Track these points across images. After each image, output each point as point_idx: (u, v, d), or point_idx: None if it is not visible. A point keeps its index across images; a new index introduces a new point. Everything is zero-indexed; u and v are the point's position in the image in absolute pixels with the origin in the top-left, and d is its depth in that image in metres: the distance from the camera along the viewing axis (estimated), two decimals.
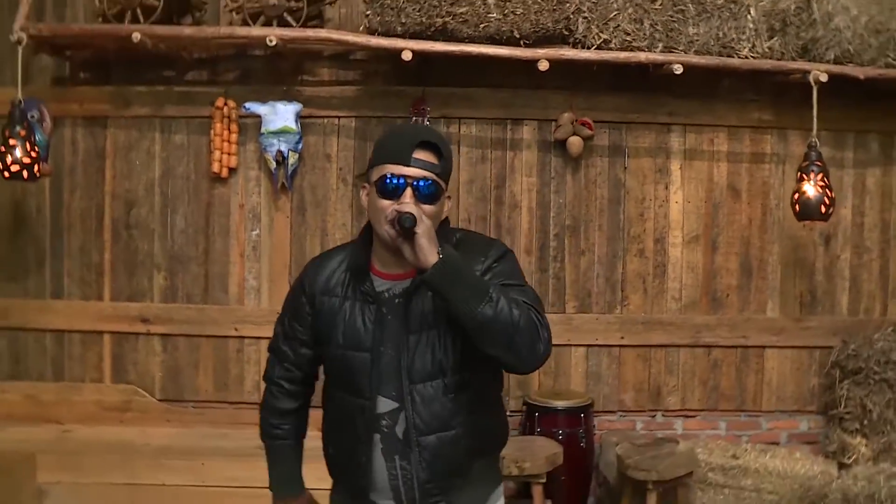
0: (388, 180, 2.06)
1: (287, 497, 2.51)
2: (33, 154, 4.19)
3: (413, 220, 1.95)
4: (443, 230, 2.16)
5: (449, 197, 2.19)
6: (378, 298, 2.17)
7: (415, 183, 2.05)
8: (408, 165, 2.06)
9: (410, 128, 2.41)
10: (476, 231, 2.49)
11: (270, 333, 4.63)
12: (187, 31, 4.32)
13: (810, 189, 4.20)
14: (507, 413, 4.60)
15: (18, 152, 4.14)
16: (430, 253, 1.94)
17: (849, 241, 4.88)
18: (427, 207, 2.05)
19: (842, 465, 4.39)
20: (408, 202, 2.03)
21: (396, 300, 2.15)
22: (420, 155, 2.07)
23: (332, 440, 2.33)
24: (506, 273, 2.13)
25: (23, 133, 4.17)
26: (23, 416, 4.78)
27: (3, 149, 4.15)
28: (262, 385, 2.49)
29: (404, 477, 2.16)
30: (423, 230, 1.95)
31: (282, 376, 2.41)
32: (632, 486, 4.08)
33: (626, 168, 4.82)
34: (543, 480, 4.04)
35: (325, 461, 2.37)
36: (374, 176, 2.11)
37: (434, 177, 2.08)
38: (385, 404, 2.15)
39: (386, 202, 2.06)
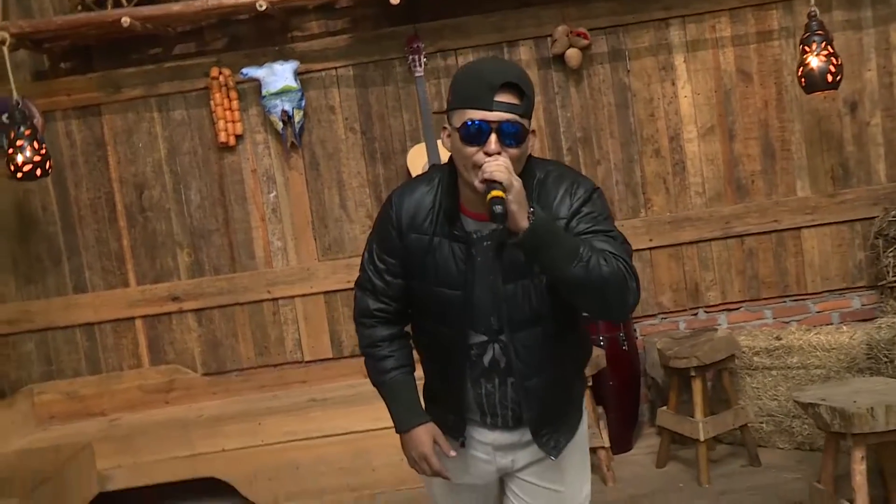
0: (471, 126, 2.35)
1: (416, 426, 2.77)
2: (42, 152, 5.26)
3: (502, 205, 2.25)
4: (529, 168, 2.51)
5: (533, 132, 2.49)
6: (468, 240, 2.54)
7: (499, 126, 2.34)
8: (490, 110, 2.33)
9: (490, 66, 2.51)
10: (555, 162, 2.78)
11: (304, 291, 5.86)
12: (176, 7, 5.34)
13: (814, 60, 5.17)
14: None
15: (28, 152, 5.20)
16: (521, 218, 2.28)
17: (877, 104, 5.85)
18: (512, 151, 2.36)
19: None
20: (493, 150, 2.33)
21: (485, 242, 2.54)
22: (502, 97, 2.34)
23: (425, 357, 2.87)
24: (594, 218, 2.48)
25: (28, 133, 5.22)
26: (65, 414, 5.97)
27: (11, 151, 5.20)
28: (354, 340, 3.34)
29: (488, 396, 2.71)
30: (514, 195, 2.26)
31: (377, 308, 2.76)
32: (676, 376, 5.21)
33: (629, 71, 5.88)
34: (590, 384, 5.14)
35: (423, 372, 2.91)
36: (456, 121, 2.41)
37: (518, 118, 2.37)
38: (475, 337, 2.63)
39: (471, 149, 2.37)
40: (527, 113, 2.41)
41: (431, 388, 2.91)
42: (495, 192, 2.26)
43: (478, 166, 2.35)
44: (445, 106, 2.54)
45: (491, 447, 2.81)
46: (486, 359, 2.65)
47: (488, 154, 2.34)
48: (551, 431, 2.74)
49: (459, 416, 2.79)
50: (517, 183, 2.29)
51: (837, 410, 3.90)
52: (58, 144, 5.94)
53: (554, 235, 2.33)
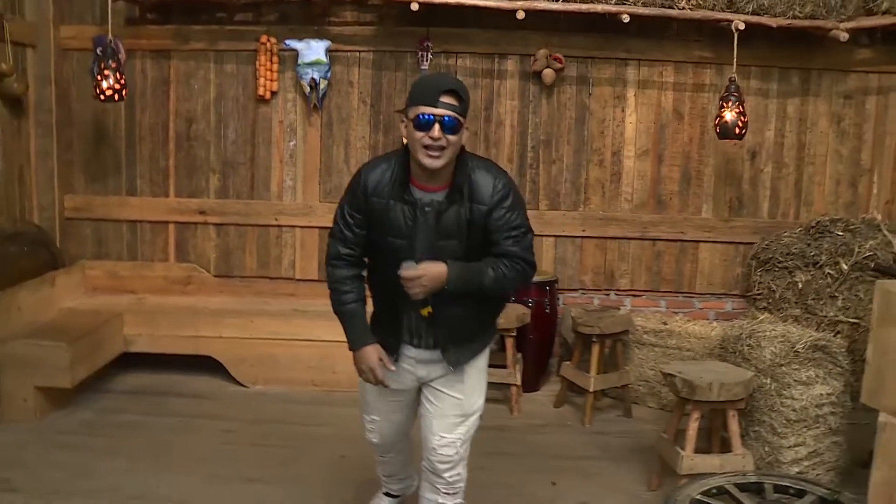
0: (421, 117, 2.78)
1: (365, 346, 3.13)
2: (122, 82, 5.52)
3: (429, 309, 2.98)
4: (461, 159, 2.90)
5: (467, 128, 2.89)
6: (414, 203, 2.91)
7: (441, 119, 2.76)
8: (436, 107, 2.76)
9: (438, 77, 2.99)
10: (482, 157, 3.11)
11: (304, 223, 6.15)
12: None
13: (728, 114, 5.47)
14: None
15: (111, 80, 5.46)
16: (439, 284, 2.87)
17: (771, 157, 6.16)
18: (450, 137, 2.78)
19: None
20: (436, 136, 2.75)
21: (426, 208, 2.90)
22: (445, 99, 2.77)
23: (374, 289, 3.23)
24: (504, 217, 2.91)
25: (114, 65, 5.48)
26: (106, 288, 6.26)
27: (98, 77, 5.47)
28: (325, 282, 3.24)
29: (418, 324, 3.10)
30: (429, 282, 2.86)
31: (344, 253, 3.09)
32: (582, 340, 5.49)
33: (590, 95, 6.11)
34: (514, 335, 5.44)
35: (373, 302, 3.27)
36: (411, 114, 2.82)
37: (455, 115, 2.79)
38: None
39: (420, 133, 2.79)
40: (462, 112, 2.82)
41: (378, 317, 3.25)
42: (424, 312, 3.00)
43: (424, 146, 2.78)
44: (405, 106, 2.92)
45: (414, 360, 3.19)
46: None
47: (432, 137, 2.76)
48: (455, 350, 3.13)
49: (396, 338, 3.16)
50: (427, 286, 2.86)
51: (687, 381, 4.20)
52: (133, 77, 6.14)
53: (462, 275, 2.88)
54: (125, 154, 6.27)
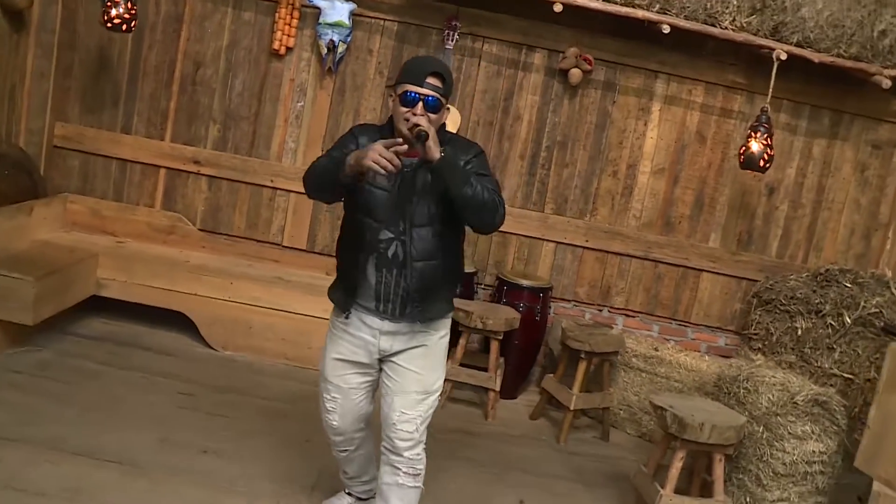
0: (407, 94, 3.00)
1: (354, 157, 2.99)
2: (132, 11, 5.21)
3: (426, 134, 2.85)
4: (441, 132, 3.08)
5: (448, 108, 3.13)
6: (400, 161, 2.95)
7: (425, 98, 2.99)
8: (421, 86, 2.99)
9: (425, 60, 3.15)
10: (461, 135, 3.42)
11: (299, 189, 5.79)
12: None
13: (755, 145, 5.22)
14: (483, 286, 5.79)
15: (121, 8, 5.16)
16: (436, 151, 2.89)
17: (788, 195, 5.92)
18: (432, 115, 3.00)
19: None
20: (419, 113, 2.95)
21: (405, 169, 3.01)
22: (430, 80, 3.00)
23: (344, 250, 3.29)
24: (480, 166, 3.11)
25: None
26: (86, 225, 5.93)
27: (109, 4, 5.14)
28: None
29: (386, 285, 3.13)
30: (432, 136, 2.88)
31: (325, 157, 3.15)
32: (569, 354, 5.23)
33: (614, 102, 5.83)
34: (500, 338, 5.18)
35: (337, 268, 3.36)
36: (399, 90, 3.04)
37: (438, 95, 3.01)
38: (386, 234, 3.10)
39: (404, 109, 3.00)
40: (445, 93, 3.04)
41: (344, 267, 3.30)
42: (421, 128, 2.89)
43: (407, 120, 2.96)
44: (394, 82, 3.12)
45: (378, 332, 3.21)
46: (390, 252, 3.11)
47: (415, 114, 2.96)
48: (421, 305, 3.17)
49: (363, 304, 3.20)
50: (433, 131, 2.90)
51: (678, 418, 3.94)
52: (146, 9, 5.80)
53: (457, 165, 2.97)
54: (125, 89, 5.92)
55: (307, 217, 5.93)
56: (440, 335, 3.32)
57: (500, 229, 3.28)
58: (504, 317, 5.18)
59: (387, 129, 3.15)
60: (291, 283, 5.54)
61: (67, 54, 5.89)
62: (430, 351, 3.27)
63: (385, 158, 2.84)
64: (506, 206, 3.10)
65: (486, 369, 5.23)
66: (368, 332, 3.23)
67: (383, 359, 3.28)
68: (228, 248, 5.97)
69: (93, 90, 5.93)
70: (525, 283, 5.59)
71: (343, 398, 3.36)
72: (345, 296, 3.25)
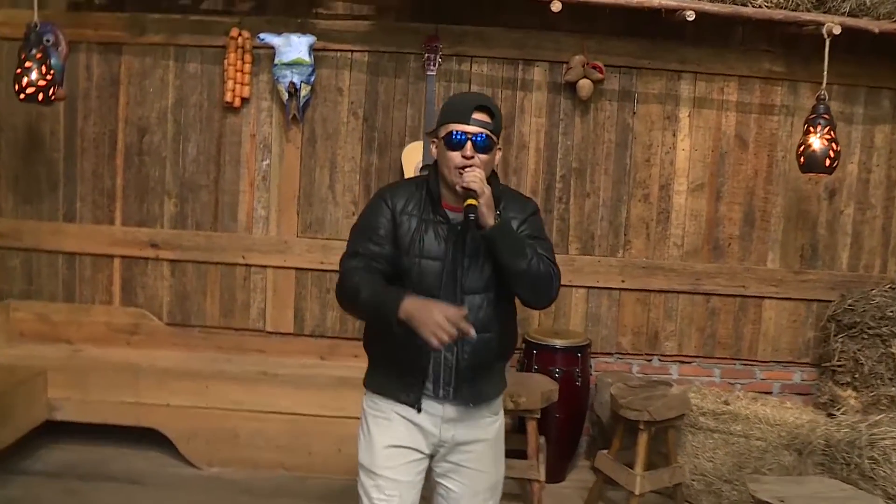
0: (453, 136, 2.56)
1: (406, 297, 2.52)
2: (48, 77, 4.23)
3: (475, 213, 2.44)
4: (494, 183, 2.63)
5: (500, 148, 2.68)
6: (447, 222, 2.64)
7: (474, 137, 2.55)
8: (468, 124, 2.55)
9: (469, 95, 2.86)
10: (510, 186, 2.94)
11: (277, 263, 4.88)
12: None
13: (816, 142, 4.20)
14: None
15: (34, 74, 4.18)
16: (489, 217, 2.48)
17: (853, 196, 4.89)
18: (483, 156, 2.56)
19: (830, 417, 4.45)
20: (468, 155, 2.52)
21: (458, 227, 2.61)
22: (477, 116, 2.56)
23: (387, 346, 2.67)
24: (536, 227, 2.70)
25: (38, 56, 4.20)
26: (35, 334, 4.97)
27: (19, 71, 4.19)
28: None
29: (446, 365, 2.65)
30: (485, 200, 2.47)
31: (363, 264, 2.61)
32: (624, 425, 4.16)
33: (634, 113, 4.83)
34: (538, 416, 4.13)
35: (373, 352, 2.78)
36: (442, 133, 2.61)
37: (488, 132, 2.57)
38: None
39: (453, 153, 2.56)
40: (496, 130, 2.61)
41: (391, 352, 2.68)
42: (470, 201, 2.45)
43: (457, 167, 2.54)
44: (434, 126, 2.71)
45: (440, 419, 2.71)
46: None
47: (465, 157, 2.54)
48: (474, 384, 2.69)
49: (419, 385, 2.67)
50: (487, 191, 2.49)
51: None
52: (76, 76, 4.88)
53: (511, 234, 2.57)
54: (63, 169, 4.96)
55: (290, 295, 4.91)
56: (499, 420, 2.87)
57: None
58: (539, 390, 4.11)
59: (427, 186, 2.68)
60: (280, 377, 4.51)
61: None
62: (495, 442, 2.85)
63: (445, 331, 2.37)
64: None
65: (524, 455, 4.14)
66: (429, 420, 2.71)
67: (439, 454, 2.76)
68: (203, 342, 4.94)
69: (26, 176, 4.99)
70: (558, 342, 4.53)
71: (401, 497, 2.71)
72: (404, 385, 2.68)
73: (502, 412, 2.90)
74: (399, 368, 2.70)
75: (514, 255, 2.52)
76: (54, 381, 4.46)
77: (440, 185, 2.67)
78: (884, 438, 3.23)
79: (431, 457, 2.77)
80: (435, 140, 2.69)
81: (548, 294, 2.63)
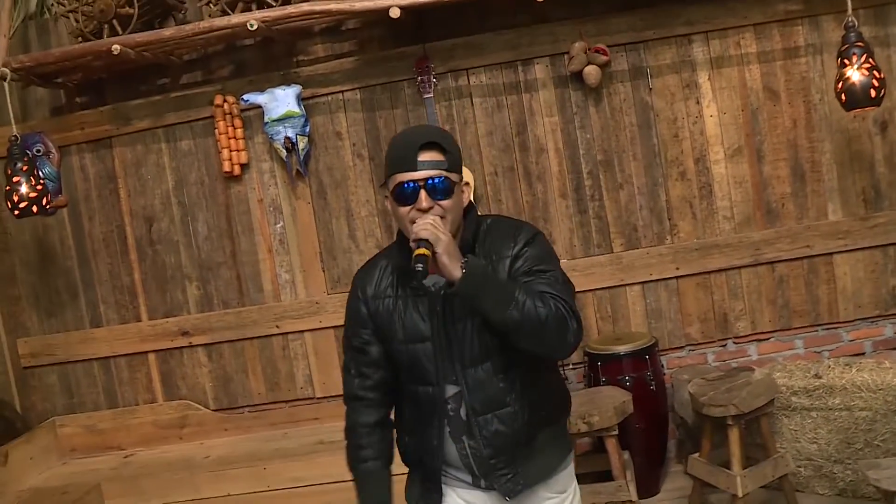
0: (402, 187, 2.16)
1: None
2: (39, 188, 4.12)
3: (424, 264, 2.04)
4: (470, 219, 2.29)
5: (467, 184, 2.29)
6: (426, 292, 2.27)
7: (426, 183, 2.15)
8: (415, 169, 2.15)
9: (411, 132, 2.33)
10: (506, 216, 2.57)
11: (312, 326, 4.63)
12: (166, 32, 4.12)
13: (855, 74, 3.79)
14: (570, 366, 4.43)
15: (24, 188, 4.08)
16: (453, 268, 2.06)
17: None
18: (444, 202, 2.16)
19: None
20: (423, 206, 2.13)
21: (442, 292, 2.23)
22: (425, 156, 2.16)
23: (406, 429, 2.42)
24: (535, 258, 2.23)
25: (24, 168, 4.10)
26: (85, 447, 4.87)
27: (8, 188, 4.08)
28: (342, 431, 2.50)
29: (473, 455, 2.28)
30: (443, 248, 2.06)
31: (360, 386, 2.40)
32: (710, 423, 3.81)
33: (651, 89, 4.49)
34: (615, 432, 3.80)
35: (400, 451, 2.45)
36: (390, 186, 2.22)
37: (443, 172, 2.17)
38: (449, 389, 2.28)
39: (405, 208, 2.17)
40: (452, 167, 2.21)
41: (413, 450, 2.41)
42: (418, 251, 2.06)
43: (413, 222, 2.15)
44: (383, 179, 2.30)
45: None
46: (463, 412, 2.28)
47: (421, 210, 2.15)
48: (509, 471, 2.28)
49: (437, 483, 2.36)
50: (444, 237, 2.09)
51: None
52: (72, 178, 4.78)
53: (488, 281, 2.11)
54: (80, 276, 4.84)
55: (334, 355, 4.65)
56: (569, 496, 2.43)
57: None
58: (612, 405, 3.78)
59: (396, 251, 2.32)
60: (337, 443, 4.10)
61: (4, 260, 4.91)
62: None
63: None
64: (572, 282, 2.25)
65: (611, 476, 3.81)
66: None
67: None
68: (255, 421, 4.73)
69: (45, 290, 4.89)
70: (622, 348, 4.19)
71: None
72: (427, 488, 2.38)
73: (574, 486, 2.47)
74: (421, 462, 2.40)
75: (499, 305, 2.08)
76: (109, 492, 4.28)
77: (407, 247, 2.24)
78: None
79: None
80: (387, 195, 2.29)
81: (561, 340, 2.14)
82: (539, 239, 2.30)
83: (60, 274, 4.83)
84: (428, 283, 2.23)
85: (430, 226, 2.10)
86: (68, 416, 4.87)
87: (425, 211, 2.15)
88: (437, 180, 2.17)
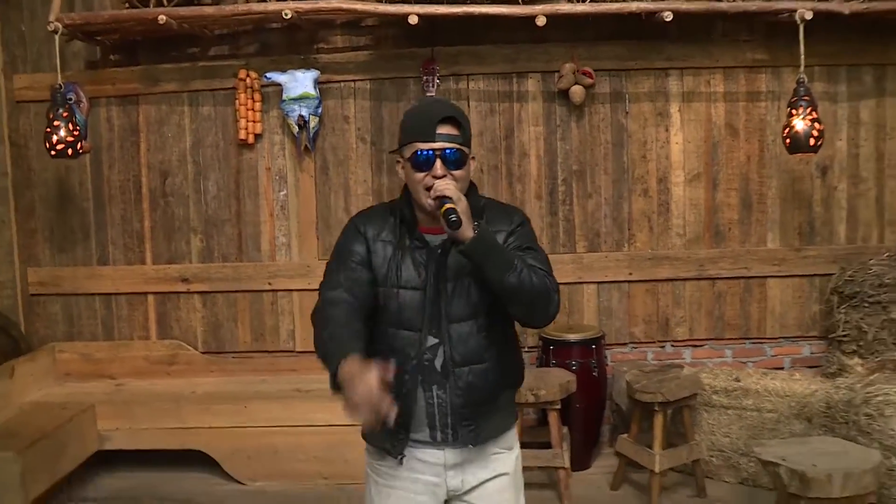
0: (419, 155, 2.34)
1: (344, 374, 2.13)
2: (76, 133, 4.63)
3: (456, 214, 2.20)
4: (472, 194, 2.43)
5: (473, 158, 2.47)
6: (426, 247, 2.43)
7: (442, 153, 2.34)
8: (433, 140, 2.34)
9: (430, 105, 2.54)
10: (493, 197, 2.74)
11: (301, 286, 5.18)
12: (208, 10, 4.65)
13: (799, 123, 4.44)
14: (525, 348, 5.04)
15: (62, 132, 4.59)
16: (467, 228, 2.23)
17: (845, 171, 5.11)
18: (456, 172, 2.35)
19: None
20: (439, 173, 2.31)
21: (438, 251, 2.41)
22: (443, 129, 2.35)
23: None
24: (526, 237, 2.46)
25: (65, 114, 4.60)
26: (80, 373, 5.34)
27: (48, 130, 4.59)
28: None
29: (439, 405, 2.41)
30: (462, 208, 2.23)
31: (338, 296, 2.36)
32: (640, 408, 4.44)
33: (627, 113, 5.10)
34: (558, 407, 4.40)
35: None
36: (407, 153, 2.39)
37: (458, 146, 2.36)
38: (428, 340, 2.41)
39: (420, 174, 2.34)
40: (465, 141, 2.40)
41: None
42: (448, 205, 2.23)
43: (428, 188, 2.33)
44: (398, 144, 2.47)
45: (442, 468, 2.46)
46: (439, 363, 2.40)
47: (436, 177, 2.33)
48: (473, 423, 2.43)
49: (405, 431, 2.42)
50: (464, 201, 2.27)
51: (797, 473, 3.12)
52: (98, 129, 5.26)
53: (494, 246, 2.30)
54: (94, 217, 5.34)
55: None
56: (514, 453, 2.58)
57: None
58: (557, 382, 4.40)
59: (400, 209, 2.47)
60: (312, 393, 4.80)
61: (26, 194, 5.36)
62: (511, 479, 2.55)
63: (361, 414, 2.02)
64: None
65: (549, 445, 4.43)
66: (430, 471, 2.47)
67: (453, 499, 2.52)
68: (238, 366, 5.28)
69: (60, 227, 5.37)
70: (573, 337, 4.81)
71: None
72: (392, 434, 2.40)
73: (517, 446, 2.62)
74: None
75: (500, 268, 2.26)
76: (102, 413, 4.79)
77: (414, 209, 2.46)
78: (877, 395, 3.49)
79: (447, 501, 2.54)
80: (400, 161, 2.46)
81: (545, 309, 2.34)
82: (528, 223, 2.54)
83: (76, 213, 5.32)
84: (429, 239, 2.42)
85: (453, 186, 2.30)
86: (67, 343, 5.34)
87: (440, 178, 2.32)
88: (451, 151, 2.35)
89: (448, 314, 2.39)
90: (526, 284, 2.26)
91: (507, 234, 2.43)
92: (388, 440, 2.41)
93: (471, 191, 2.44)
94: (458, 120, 2.38)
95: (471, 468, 2.46)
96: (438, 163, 2.33)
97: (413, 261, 2.41)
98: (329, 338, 2.24)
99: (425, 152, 2.33)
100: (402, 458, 2.43)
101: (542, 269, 2.34)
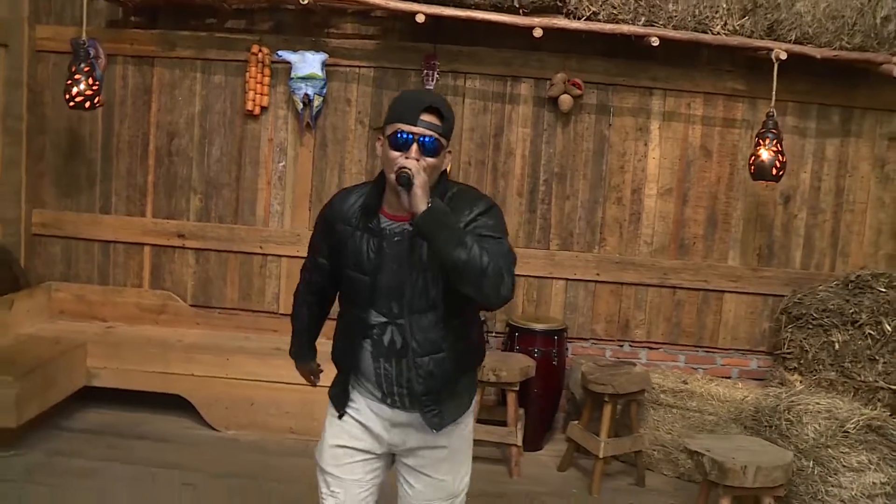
0: (398, 136, 2.44)
1: (298, 363, 3.23)
2: (94, 87, 4.95)
3: (409, 176, 2.35)
4: (441, 182, 2.56)
5: (450, 152, 2.58)
6: (380, 234, 2.57)
7: (420, 139, 2.44)
8: (415, 125, 2.44)
9: (419, 93, 2.71)
10: (472, 186, 2.82)
11: (290, 253, 5.58)
12: None
13: (764, 153, 4.86)
14: (493, 333, 5.40)
15: (82, 85, 4.91)
16: (421, 202, 2.34)
17: (806, 202, 5.53)
18: (429, 160, 2.45)
19: None
20: (413, 156, 2.42)
21: (396, 238, 2.55)
22: (426, 117, 2.45)
23: (337, 341, 2.79)
24: (487, 226, 2.49)
25: (86, 69, 4.92)
26: (73, 312, 5.66)
27: (69, 82, 4.90)
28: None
29: (386, 376, 2.62)
30: (420, 182, 2.35)
31: (309, 285, 2.95)
32: (592, 398, 4.83)
33: (610, 125, 5.49)
34: (517, 388, 4.80)
35: (332, 350, 2.81)
36: (388, 131, 2.49)
37: (436, 135, 2.47)
38: (377, 318, 2.60)
39: (396, 153, 2.45)
40: (445, 133, 2.50)
41: (340, 357, 2.79)
42: (405, 170, 2.36)
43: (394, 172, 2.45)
44: (382, 123, 2.60)
45: (389, 423, 2.70)
46: (386, 339, 2.61)
47: (409, 158, 2.43)
48: (436, 407, 2.65)
49: (346, 389, 2.74)
50: (424, 175, 2.38)
51: (717, 462, 3.54)
52: (113, 85, 5.59)
53: (446, 221, 2.37)
54: (100, 168, 5.67)
55: None
56: (462, 429, 2.77)
57: None
58: (518, 366, 4.80)
59: (372, 189, 2.63)
60: None
61: (38, 139, 5.66)
62: (452, 452, 2.75)
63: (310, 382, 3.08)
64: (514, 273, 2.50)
65: (505, 423, 4.83)
66: (378, 422, 2.70)
67: (397, 454, 2.78)
68: (223, 322, 5.64)
69: (67, 173, 5.68)
70: (538, 326, 5.21)
71: (345, 493, 2.74)
72: (341, 391, 2.74)
73: (469, 422, 2.82)
74: (344, 376, 2.75)
75: (449, 243, 2.33)
76: (92, 352, 5.09)
77: (385, 191, 2.58)
78: (798, 404, 3.90)
79: (393, 454, 2.77)
80: (381, 138, 2.57)
81: (496, 289, 2.37)
82: (494, 211, 2.55)
83: (84, 162, 5.64)
84: (385, 225, 2.57)
85: (416, 163, 2.41)
86: (63, 283, 5.67)
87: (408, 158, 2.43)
88: (430, 140, 2.45)
89: (409, 305, 2.55)
90: (474, 261, 2.32)
91: (467, 220, 2.48)
92: (339, 395, 2.75)
93: (441, 177, 2.57)
94: (442, 112, 2.48)
95: (413, 433, 2.68)
96: (415, 147, 2.44)
97: (367, 245, 2.58)
98: (296, 333, 3.12)
99: (405, 135, 2.44)
100: (342, 415, 2.72)
101: (498, 252, 2.41)
